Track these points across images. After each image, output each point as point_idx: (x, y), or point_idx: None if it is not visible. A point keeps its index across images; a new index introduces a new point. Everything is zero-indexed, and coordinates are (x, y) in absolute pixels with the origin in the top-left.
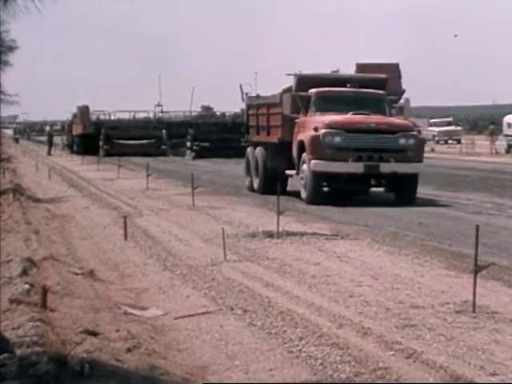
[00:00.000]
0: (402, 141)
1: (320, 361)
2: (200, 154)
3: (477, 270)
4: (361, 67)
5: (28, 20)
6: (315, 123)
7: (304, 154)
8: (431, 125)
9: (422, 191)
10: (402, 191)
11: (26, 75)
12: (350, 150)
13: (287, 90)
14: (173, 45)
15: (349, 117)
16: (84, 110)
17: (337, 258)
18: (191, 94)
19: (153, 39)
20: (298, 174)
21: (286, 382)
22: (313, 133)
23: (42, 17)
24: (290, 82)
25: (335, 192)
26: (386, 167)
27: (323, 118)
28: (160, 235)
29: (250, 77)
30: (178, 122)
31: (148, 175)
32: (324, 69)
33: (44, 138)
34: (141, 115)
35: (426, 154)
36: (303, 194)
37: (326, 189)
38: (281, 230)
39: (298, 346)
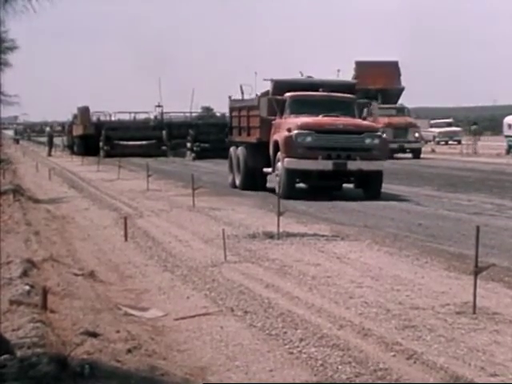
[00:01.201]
0: (367, 140)
1: (320, 362)
2: (200, 155)
3: (477, 271)
4: (360, 65)
5: (28, 20)
6: (289, 124)
7: (279, 153)
8: (431, 126)
9: (423, 191)
10: (369, 187)
11: (26, 76)
12: (319, 149)
13: (264, 94)
14: (173, 46)
15: (319, 119)
16: (84, 111)
17: (337, 259)
18: (191, 95)
19: (153, 40)
20: (273, 171)
21: (286, 383)
22: (286, 133)
23: (41, 17)
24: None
25: (312, 188)
26: (352, 165)
27: (296, 120)
28: (160, 236)
29: (251, 77)
30: (179, 122)
31: (148, 176)
32: (324, 68)
33: (44, 139)
34: (141, 116)
35: (426, 155)
36: (278, 190)
37: (304, 185)
38: (281, 231)
39: (298, 347)
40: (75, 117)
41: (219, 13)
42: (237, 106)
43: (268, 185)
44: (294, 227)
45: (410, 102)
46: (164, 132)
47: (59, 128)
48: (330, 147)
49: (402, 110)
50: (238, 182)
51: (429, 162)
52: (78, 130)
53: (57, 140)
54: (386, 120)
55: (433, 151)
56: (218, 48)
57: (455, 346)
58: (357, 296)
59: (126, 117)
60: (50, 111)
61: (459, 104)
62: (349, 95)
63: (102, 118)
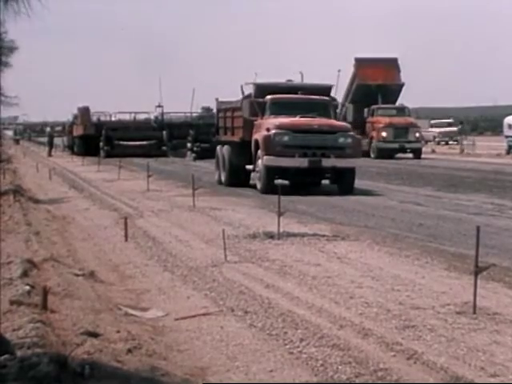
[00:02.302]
0: (341, 140)
1: (321, 362)
2: (200, 155)
3: (477, 271)
4: (359, 61)
5: (28, 21)
6: (268, 125)
7: (259, 151)
8: (432, 126)
9: (423, 192)
10: (342, 183)
11: (26, 76)
12: (296, 148)
13: (247, 97)
14: (173, 46)
15: (296, 119)
16: (84, 111)
17: (337, 259)
18: (192, 95)
19: (153, 40)
20: (254, 168)
21: (286, 383)
22: (265, 133)
23: (41, 17)
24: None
25: (293, 185)
26: (327, 162)
27: (275, 121)
28: (160, 236)
29: (251, 77)
30: (179, 123)
31: (149, 176)
32: (324, 67)
33: (44, 139)
34: (141, 116)
35: (426, 155)
36: (258, 186)
37: (286, 182)
38: (281, 231)
39: (298, 347)
40: (75, 117)
41: (219, 12)
42: (223, 108)
43: (251, 181)
44: (295, 227)
45: (410, 101)
46: (164, 132)
47: (59, 128)
48: (305, 146)
49: (402, 110)
50: (223, 178)
51: (429, 162)
52: (78, 130)
53: (57, 140)
54: (386, 120)
55: (433, 151)
56: (218, 48)
57: (455, 346)
58: (357, 296)
59: (126, 117)
60: (50, 111)
61: (459, 104)
62: (324, 97)
63: (103, 118)
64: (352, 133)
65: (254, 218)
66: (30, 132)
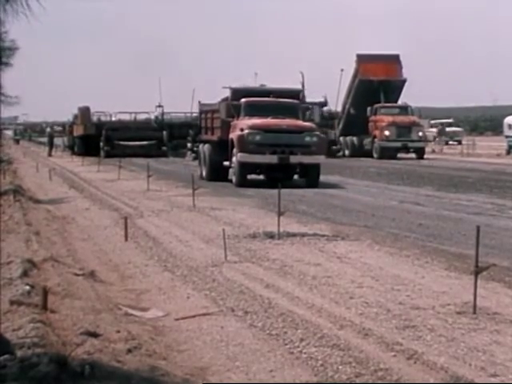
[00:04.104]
0: (307, 139)
1: (321, 362)
2: None
3: (477, 271)
4: (361, 57)
5: (28, 21)
6: (242, 125)
7: (234, 149)
8: (432, 126)
9: (423, 192)
10: (309, 177)
11: (27, 76)
12: (267, 146)
13: (224, 100)
14: (173, 46)
15: (267, 120)
16: (85, 111)
17: (337, 259)
18: (192, 95)
19: (153, 40)
20: (230, 164)
21: (286, 383)
22: (240, 132)
23: (41, 17)
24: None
25: (267, 179)
26: (294, 159)
27: (248, 122)
28: (160, 236)
29: (251, 77)
30: (179, 123)
31: (149, 176)
32: (325, 66)
33: (45, 139)
34: (142, 116)
35: (427, 155)
36: (234, 180)
37: (261, 177)
38: (281, 230)
39: (298, 347)
40: (76, 117)
41: (220, 12)
42: (204, 110)
43: (229, 177)
44: (295, 227)
45: (410, 101)
46: (164, 132)
47: (60, 128)
48: (275, 144)
49: (405, 109)
50: (204, 174)
51: (429, 162)
52: (78, 130)
53: (57, 140)
54: (389, 119)
55: (433, 151)
56: (218, 48)
57: (455, 346)
58: (357, 296)
59: (126, 117)
60: (51, 111)
61: (459, 104)
62: (293, 101)
63: (103, 118)
64: (317, 132)
65: (254, 217)
66: (30, 132)
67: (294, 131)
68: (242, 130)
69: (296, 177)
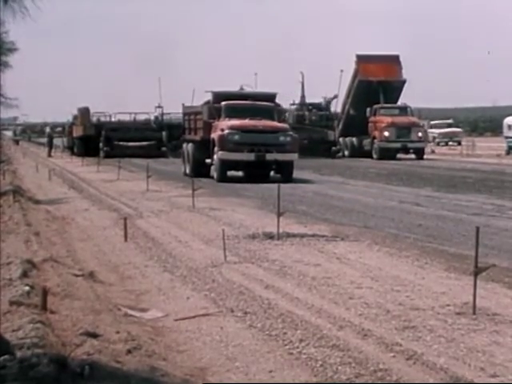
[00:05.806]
0: (281, 138)
1: (320, 362)
2: None
3: (477, 271)
4: (361, 58)
5: (28, 21)
6: (222, 126)
7: (215, 148)
8: (431, 126)
9: (423, 192)
10: (283, 173)
11: (26, 76)
12: (245, 145)
13: (206, 103)
14: (173, 46)
15: (245, 121)
16: (84, 112)
17: (337, 260)
18: (192, 96)
19: (153, 40)
20: (212, 162)
21: (286, 383)
22: (220, 132)
23: (41, 17)
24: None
25: (246, 176)
26: (270, 156)
27: (228, 123)
28: (160, 237)
29: (251, 78)
30: (179, 123)
31: (148, 177)
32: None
33: (44, 140)
34: (141, 117)
35: (426, 156)
36: (215, 176)
37: (240, 173)
38: (281, 231)
39: (298, 347)
40: (75, 117)
41: (220, 12)
42: (188, 112)
43: (211, 173)
44: (294, 228)
45: (410, 102)
46: (164, 133)
47: (59, 129)
48: (252, 143)
49: (405, 110)
50: (188, 171)
51: (429, 162)
52: (78, 131)
53: (57, 141)
54: (389, 119)
55: (432, 152)
56: (218, 48)
57: (455, 347)
58: (357, 297)
59: (126, 117)
60: (50, 112)
61: (459, 105)
62: (269, 103)
63: (102, 119)
64: (291, 132)
65: (253, 218)
66: (30, 133)
67: (269, 131)
68: (222, 130)
69: (272, 173)
